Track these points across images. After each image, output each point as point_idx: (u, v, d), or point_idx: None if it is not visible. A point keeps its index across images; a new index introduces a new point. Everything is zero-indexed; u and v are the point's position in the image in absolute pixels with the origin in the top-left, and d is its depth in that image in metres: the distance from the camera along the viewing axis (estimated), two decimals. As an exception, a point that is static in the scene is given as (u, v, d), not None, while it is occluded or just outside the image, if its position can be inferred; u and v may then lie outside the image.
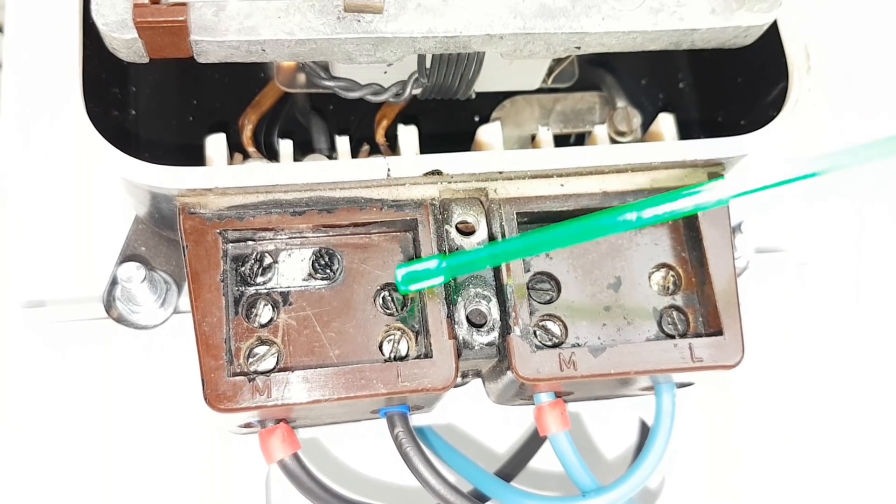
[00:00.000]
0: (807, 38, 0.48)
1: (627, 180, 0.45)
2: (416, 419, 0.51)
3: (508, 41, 0.42)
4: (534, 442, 0.56)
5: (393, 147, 0.51)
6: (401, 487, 0.51)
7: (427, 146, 0.46)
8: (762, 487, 0.53)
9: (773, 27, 0.47)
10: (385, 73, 0.46)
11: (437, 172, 0.43)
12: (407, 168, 0.43)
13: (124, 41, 0.39)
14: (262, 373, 0.41)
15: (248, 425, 0.44)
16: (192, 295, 0.41)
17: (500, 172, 0.43)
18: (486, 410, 0.52)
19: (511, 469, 0.54)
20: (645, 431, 0.58)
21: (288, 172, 0.42)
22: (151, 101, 0.53)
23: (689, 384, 0.48)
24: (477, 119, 0.57)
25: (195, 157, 0.46)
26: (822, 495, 0.54)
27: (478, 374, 0.48)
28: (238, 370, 0.41)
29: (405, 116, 0.53)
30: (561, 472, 0.56)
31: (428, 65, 0.45)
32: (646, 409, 0.54)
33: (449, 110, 0.56)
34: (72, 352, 0.50)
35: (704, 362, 0.43)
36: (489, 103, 0.55)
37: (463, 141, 0.51)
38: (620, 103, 0.54)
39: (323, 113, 0.54)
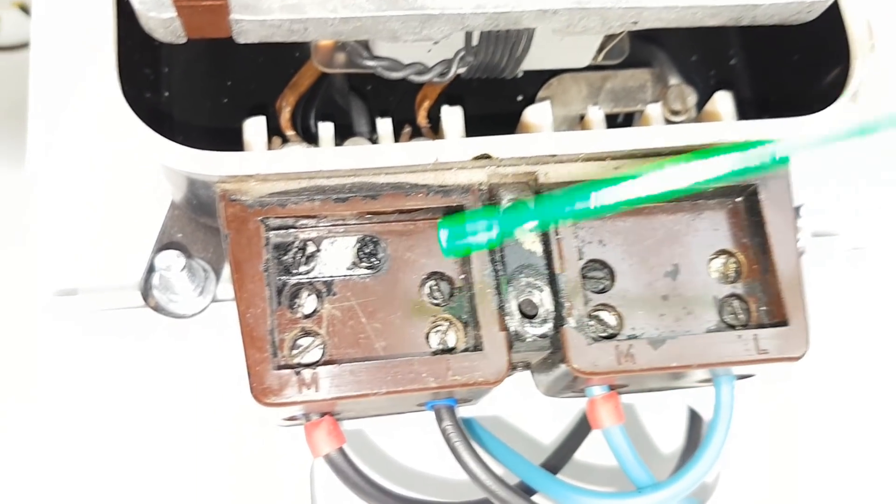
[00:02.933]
0: (870, 14, 0.46)
1: (686, 163, 0.43)
2: (461, 411, 0.50)
3: (562, 16, 0.40)
4: (578, 433, 0.55)
5: (435, 129, 0.50)
6: (446, 481, 0.50)
7: (468, 128, 0.44)
8: (821, 483, 0.51)
9: (834, 2, 0.45)
10: (429, 51, 0.44)
11: (487, 156, 0.41)
12: (455, 152, 0.41)
13: (161, 21, 0.37)
14: (307, 365, 0.40)
15: (291, 418, 0.43)
16: (236, 285, 0.39)
17: (553, 155, 0.41)
18: (528, 401, 0.51)
19: (557, 461, 0.53)
20: (694, 420, 0.56)
21: (333, 157, 0.40)
22: (184, 82, 0.52)
23: (749, 376, 0.46)
24: (520, 98, 0.54)
25: (230, 140, 0.44)
26: (888, 492, 0.52)
27: (527, 366, 0.47)
28: (282, 363, 0.40)
29: (446, 96, 0.51)
30: (606, 464, 0.55)
31: (475, 42, 0.43)
32: (695, 398, 0.52)
33: (490, 90, 0.53)
34: (107, 342, 0.49)
35: (770, 354, 0.41)
36: (532, 82, 0.53)
37: (505, 122, 0.49)
38: (674, 81, 0.52)
39: (362, 94, 0.52)
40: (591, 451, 0.54)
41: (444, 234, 0.39)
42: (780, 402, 0.52)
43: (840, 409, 0.53)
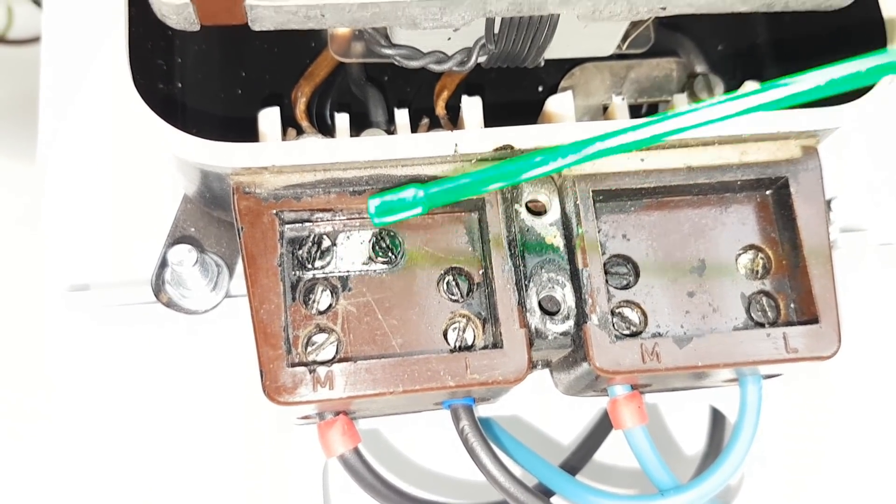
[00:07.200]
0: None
1: (714, 154, 0.41)
2: (479, 410, 0.49)
3: (587, 2, 0.38)
4: (598, 433, 0.53)
5: (454, 120, 0.48)
6: (463, 482, 0.49)
7: (487, 119, 0.43)
8: (847, 487, 0.50)
9: (869, -14, 0.43)
10: (449, 39, 0.43)
11: (509, 147, 0.40)
12: (475, 143, 0.40)
13: (174, 7, 0.36)
14: (321, 363, 0.38)
15: (305, 417, 0.42)
16: (249, 280, 0.38)
17: (577, 147, 0.40)
18: (547, 400, 0.49)
19: (576, 462, 0.52)
20: (717, 420, 0.55)
21: (350, 148, 0.39)
22: (198, 73, 0.51)
23: (776, 375, 0.44)
24: (540, 89, 0.53)
25: (244, 132, 0.43)
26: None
27: (546, 364, 0.45)
28: (297, 360, 0.39)
29: (465, 87, 0.49)
30: (627, 465, 0.54)
31: (496, 30, 0.42)
32: (717, 396, 0.51)
33: (510, 80, 0.52)
34: (119, 337, 0.48)
35: (800, 353, 0.39)
36: (553, 72, 0.51)
37: (524, 113, 0.47)
38: (700, 70, 0.50)
39: (379, 84, 0.51)
40: (611, 452, 0.53)
41: (373, 204, 0.36)
42: (806, 402, 0.51)
43: (869, 411, 0.51)
